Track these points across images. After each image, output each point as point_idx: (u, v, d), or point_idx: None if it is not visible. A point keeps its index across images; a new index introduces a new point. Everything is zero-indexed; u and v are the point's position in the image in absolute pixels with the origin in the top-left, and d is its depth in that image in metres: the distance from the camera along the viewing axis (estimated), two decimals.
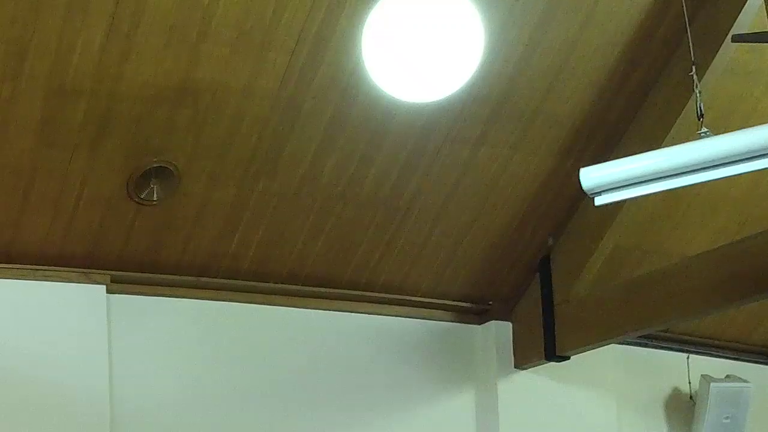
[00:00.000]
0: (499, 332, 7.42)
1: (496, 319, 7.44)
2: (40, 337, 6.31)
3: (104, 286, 6.51)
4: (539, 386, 7.39)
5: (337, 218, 6.76)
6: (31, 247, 6.36)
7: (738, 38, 5.79)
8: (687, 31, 5.62)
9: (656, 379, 7.89)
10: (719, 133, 4.73)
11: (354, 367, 7.13)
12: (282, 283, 6.95)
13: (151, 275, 6.65)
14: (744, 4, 6.07)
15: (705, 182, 4.77)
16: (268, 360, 6.93)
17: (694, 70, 5.18)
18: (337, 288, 7.08)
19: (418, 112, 6.30)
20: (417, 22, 4.99)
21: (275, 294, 6.96)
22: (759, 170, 4.65)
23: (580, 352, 7.21)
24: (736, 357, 8.09)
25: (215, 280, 6.81)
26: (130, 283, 6.62)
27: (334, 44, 5.95)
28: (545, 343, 7.19)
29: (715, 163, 4.64)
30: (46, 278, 6.39)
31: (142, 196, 6.32)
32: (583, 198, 6.00)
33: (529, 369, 7.37)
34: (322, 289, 7.03)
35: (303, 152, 6.40)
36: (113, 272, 6.55)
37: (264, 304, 6.95)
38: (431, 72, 5.09)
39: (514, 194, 6.91)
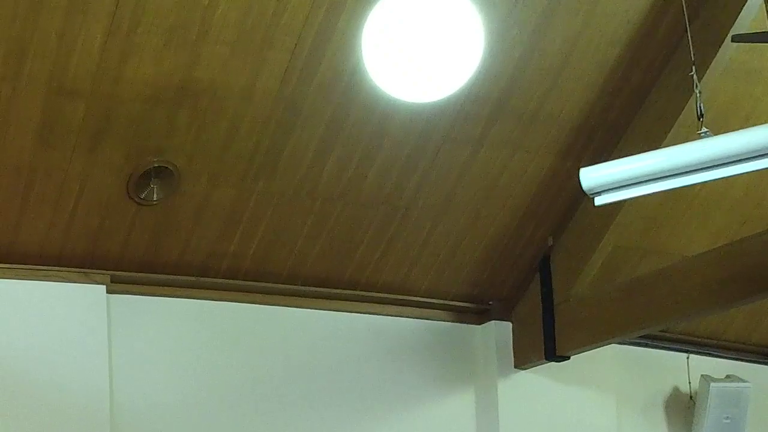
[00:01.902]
0: (499, 332, 7.42)
1: (496, 319, 7.43)
2: (40, 337, 6.31)
3: (104, 286, 6.50)
4: (539, 386, 7.38)
5: (337, 218, 6.76)
6: (31, 247, 6.35)
7: (738, 38, 5.79)
8: (687, 31, 5.62)
9: (656, 379, 7.88)
10: (719, 133, 4.73)
11: (354, 367, 7.13)
12: (282, 283, 6.94)
13: (150, 275, 6.64)
14: (744, 4, 6.07)
15: (705, 182, 4.77)
16: (268, 360, 6.92)
17: (694, 70, 5.18)
18: (337, 288, 7.07)
19: (418, 112, 6.30)
20: (417, 22, 4.99)
21: (275, 294, 6.95)
22: (759, 170, 4.65)
23: (580, 352, 7.21)
24: (736, 357, 8.08)
25: (215, 280, 6.81)
26: (130, 283, 6.61)
27: (334, 44, 5.95)
28: (545, 343, 7.19)
29: (715, 163, 4.64)
30: (46, 278, 6.38)
31: (141, 196, 6.32)
32: (583, 198, 6.00)
33: (529, 369, 7.36)
34: (322, 289, 7.03)
35: (303, 152, 6.40)
36: (113, 272, 6.55)
37: (264, 304, 6.94)
38: (431, 72, 5.09)
39: (514, 194, 6.91)
